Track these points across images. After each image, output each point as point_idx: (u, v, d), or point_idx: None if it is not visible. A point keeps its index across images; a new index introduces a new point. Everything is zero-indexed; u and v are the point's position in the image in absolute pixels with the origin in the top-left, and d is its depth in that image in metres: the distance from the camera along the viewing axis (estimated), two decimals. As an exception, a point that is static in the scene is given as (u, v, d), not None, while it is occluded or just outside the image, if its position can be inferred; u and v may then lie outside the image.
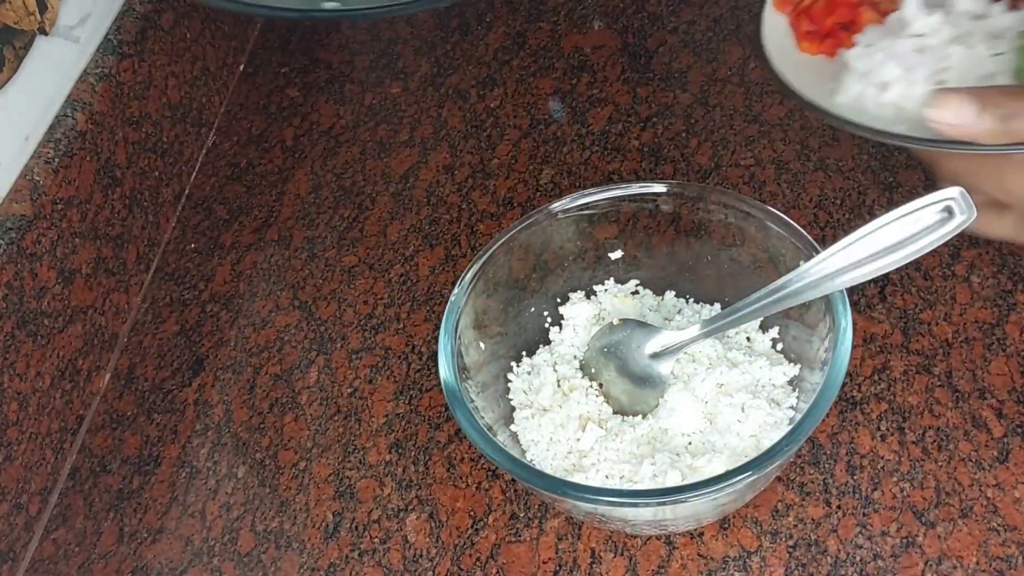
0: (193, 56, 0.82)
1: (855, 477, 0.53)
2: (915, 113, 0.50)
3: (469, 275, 0.52)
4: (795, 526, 0.52)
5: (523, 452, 0.52)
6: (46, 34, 0.67)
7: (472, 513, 0.56)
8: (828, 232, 0.64)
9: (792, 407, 0.51)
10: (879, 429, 0.55)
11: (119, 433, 0.66)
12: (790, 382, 0.52)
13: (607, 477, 0.49)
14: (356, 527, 0.57)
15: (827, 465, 0.54)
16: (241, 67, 0.90)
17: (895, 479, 0.53)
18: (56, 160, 0.65)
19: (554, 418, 0.52)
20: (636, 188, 0.55)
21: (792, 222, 0.51)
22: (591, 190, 0.56)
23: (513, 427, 0.53)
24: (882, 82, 0.53)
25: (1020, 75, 0.52)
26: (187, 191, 0.81)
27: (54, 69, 0.68)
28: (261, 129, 0.84)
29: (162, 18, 0.78)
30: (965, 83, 0.51)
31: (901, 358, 0.57)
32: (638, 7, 0.84)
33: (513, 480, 0.57)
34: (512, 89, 0.80)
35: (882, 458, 0.53)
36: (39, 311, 0.62)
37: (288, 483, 0.60)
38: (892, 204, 0.49)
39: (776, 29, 0.60)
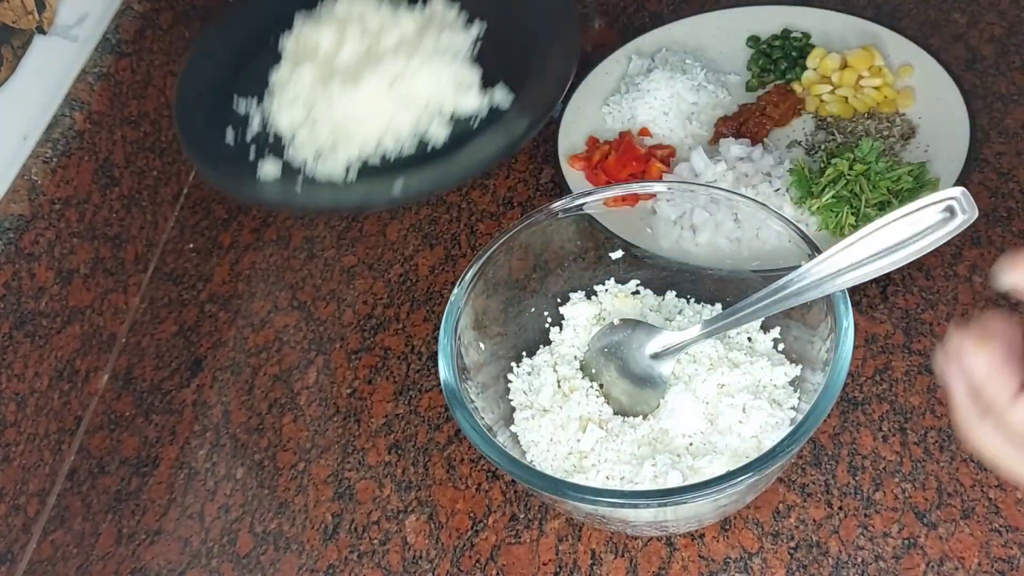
0: (192, 55, 0.82)
1: (857, 478, 0.53)
2: (727, 249, 0.57)
3: (469, 275, 0.52)
4: (796, 527, 0.52)
5: (523, 453, 0.52)
6: (44, 33, 0.66)
7: (472, 514, 0.56)
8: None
9: (793, 408, 0.50)
10: (881, 430, 0.54)
11: (117, 434, 0.66)
12: (791, 383, 0.51)
13: (608, 478, 0.49)
14: (355, 528, 0.57)
15: (829, 466, 0.54)
16: (240, 66, 0.90)
17: (897, 480, 0.52)
18: (54, 160, 0.65)
19: (554, 419, 0.52)
20: (636, 187, 0.55)
21: (793, 222, 0.51)
22: (591, 189, 0.55)
23: (513, 428, 0.53)
24: (692, 225, 0.59)
25: (801, 202, 0.63)
26: (185, 191, 0.81)
27: (52, 68, 0.68)
28: (260, 129, 0.84)
29: (160, 17, 0.78)
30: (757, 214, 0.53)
31: (903, 358, 0.57)
32: (638, 7, 0.84)
33: (513, 481, 0.57)
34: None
35: (884, 459, 0.53)
36: (37, 311, 0.62)
37: (287, 484, 0.60)
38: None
39: (577, 183, 0.67)
